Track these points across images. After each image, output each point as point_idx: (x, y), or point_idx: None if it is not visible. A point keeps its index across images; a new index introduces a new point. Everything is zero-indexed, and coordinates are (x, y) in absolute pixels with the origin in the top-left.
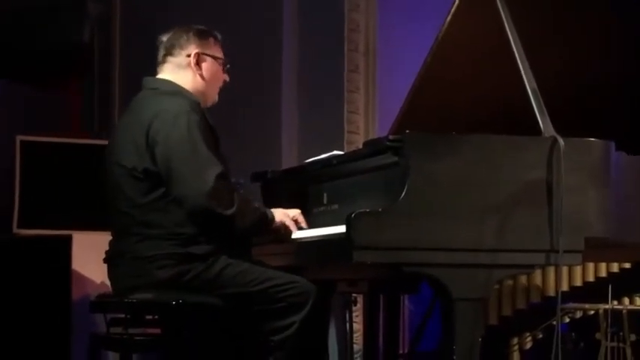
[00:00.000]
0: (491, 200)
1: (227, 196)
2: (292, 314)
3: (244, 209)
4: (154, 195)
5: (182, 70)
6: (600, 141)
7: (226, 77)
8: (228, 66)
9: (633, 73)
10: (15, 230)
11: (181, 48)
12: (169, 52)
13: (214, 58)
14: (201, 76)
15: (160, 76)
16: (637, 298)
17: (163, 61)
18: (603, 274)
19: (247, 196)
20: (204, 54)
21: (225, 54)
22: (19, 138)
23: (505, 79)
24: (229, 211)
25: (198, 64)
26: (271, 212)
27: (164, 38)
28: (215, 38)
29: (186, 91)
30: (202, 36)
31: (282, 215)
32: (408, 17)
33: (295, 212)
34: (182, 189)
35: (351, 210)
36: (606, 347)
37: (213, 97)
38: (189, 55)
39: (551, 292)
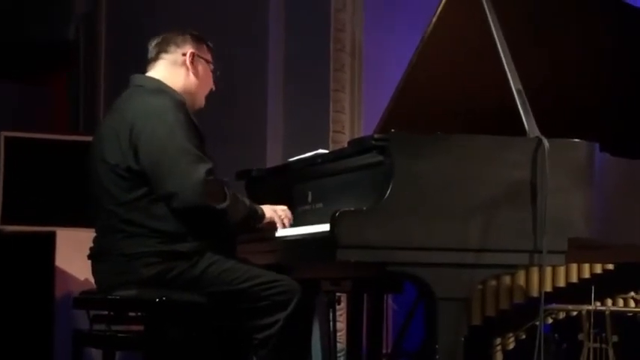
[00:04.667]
0: (475, 200)
1: (219, 189)
2: (276, 313)
3: (236, 203)
4: (137, 193)
5: (176, 68)
6: (585, 142)
7: (213, 86)
8: (218, 73)
9: (619, 76)
10: None
11: (177, 46)
12: (164, 50)
13: (207, 62)
14: (195, 75)
15: (149, 73)
16: (620, 300)
17: (156, 59)
18: (586, 275)
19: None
20: (199, 56)
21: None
22: (3, 134)
23: (490, 79)
24: (223, 205)
25: (192, 63)
26: (260, 208)
27: (157, 39)
28: (208, 46)
29: (172, 89)
30: (197, 40)
31: (271, 211)
32: (393, 17)
33: (282, 208)
34: (173, 185)
35: (335, 209)
36: (589, 348)
37: (201, 100)
38: (184, 54)
39: (535, 293)
